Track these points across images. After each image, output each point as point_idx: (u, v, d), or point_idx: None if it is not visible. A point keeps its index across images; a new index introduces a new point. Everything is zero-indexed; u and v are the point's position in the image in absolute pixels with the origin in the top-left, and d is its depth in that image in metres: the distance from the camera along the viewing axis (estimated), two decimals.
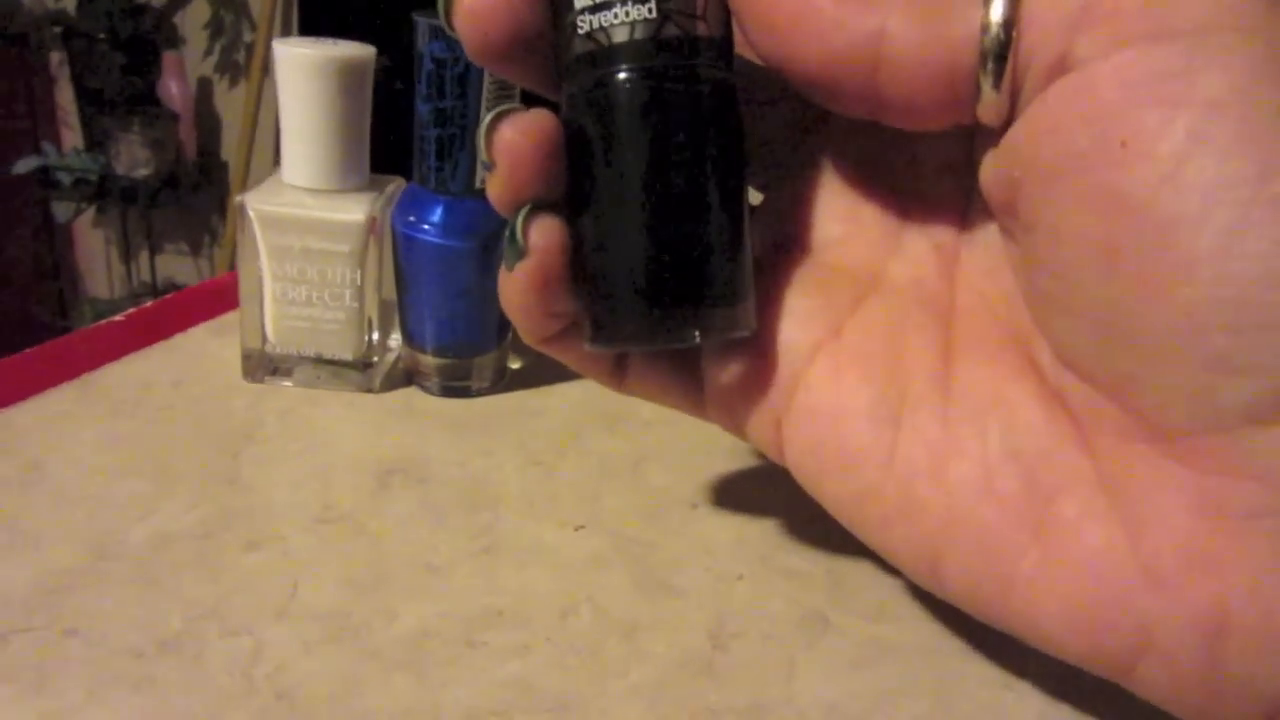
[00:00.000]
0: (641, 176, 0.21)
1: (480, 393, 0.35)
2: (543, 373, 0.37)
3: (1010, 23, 0.19)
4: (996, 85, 0.19)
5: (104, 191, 1.80)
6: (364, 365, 0.35)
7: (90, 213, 1.93)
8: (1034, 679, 0.24)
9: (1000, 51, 0.19)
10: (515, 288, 0.23)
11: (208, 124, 1.86)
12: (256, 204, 0.33)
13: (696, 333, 0.22)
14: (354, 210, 0.33)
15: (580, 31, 0.21)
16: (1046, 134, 0.19)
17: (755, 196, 0.25)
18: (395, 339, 0.36)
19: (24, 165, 1.76)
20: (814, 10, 0.20)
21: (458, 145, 0.32)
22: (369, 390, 0.35)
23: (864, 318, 0.23)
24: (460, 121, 0.31)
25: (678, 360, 0.25)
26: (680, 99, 0.21)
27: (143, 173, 1.79)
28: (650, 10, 0.21)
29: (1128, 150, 0.18)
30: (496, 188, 0.22)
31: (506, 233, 0.23)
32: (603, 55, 0.21)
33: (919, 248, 0.24)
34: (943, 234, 0.24)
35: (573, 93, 0.22)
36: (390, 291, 0.35)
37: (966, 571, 0.21)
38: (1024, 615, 0.21)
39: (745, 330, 0.23)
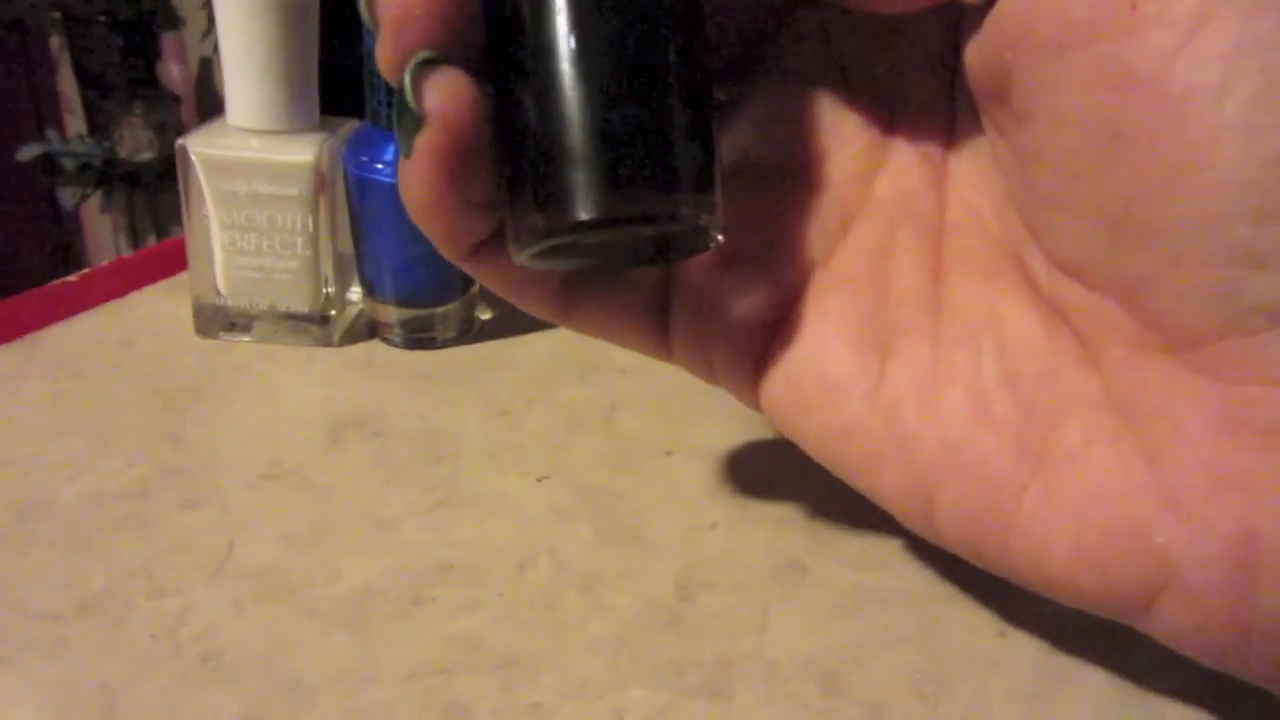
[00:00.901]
0: (595, 22, 0.17)
1: (446, 344, 0.34)
2: (515, 322, 0.35)
3: None
4: None
5: (109, 176, 1.80)
6: (322, 318, 0.33)
7: (97, 197, 1.92)
8: (1028, 626, 0.22)
9: None
10: (418, 175, 0.18)
11: (210, 105, 1.85)
12: (198, 147, 0.31)
13: (668, 220, 0.18)
14: (302, 151, 0.31)
15: None
16: (1040, 3, 0.17)
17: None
18: (356, 291, 0.34)
19: (27, 152, 1.75)
20: None
21: None
22: (328, 344, 0.33)
23: (852, 241, 0.21)
24: None
25: (638, 286, 0.22)
26: None
27: (146, 156, 1.78)
28: None
29: (1137, 13, 0.16)
30: (384, 49, 0.18)
31: (395, 101, 0.18)
32: None
33: (905, 158, 0.21)
34: (929, 142, 0.21)
35: None
36: (347, 244, 0.33)
37: (962, 510, 0.19)
38: (1027, 556, 0.18)
39: (718, 233, 0.19)
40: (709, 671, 0.20)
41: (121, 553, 0.23)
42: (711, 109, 0.19)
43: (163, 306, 0.35)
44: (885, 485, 0.20)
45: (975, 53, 0.19)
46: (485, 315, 0.36)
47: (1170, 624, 0.17)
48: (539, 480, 0.27)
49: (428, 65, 0.18)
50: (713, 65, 0.19)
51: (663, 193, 0.18)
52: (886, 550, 0.24)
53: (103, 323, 0.34)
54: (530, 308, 0.22)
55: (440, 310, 0.33)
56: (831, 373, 0.20)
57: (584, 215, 0.17)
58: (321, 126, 0.32)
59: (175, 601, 0.22)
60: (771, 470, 0.27)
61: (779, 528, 0.25)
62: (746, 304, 0.21)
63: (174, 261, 0.38)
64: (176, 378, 0.31)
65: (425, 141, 0.18)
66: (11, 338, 0.32)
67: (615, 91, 0.17)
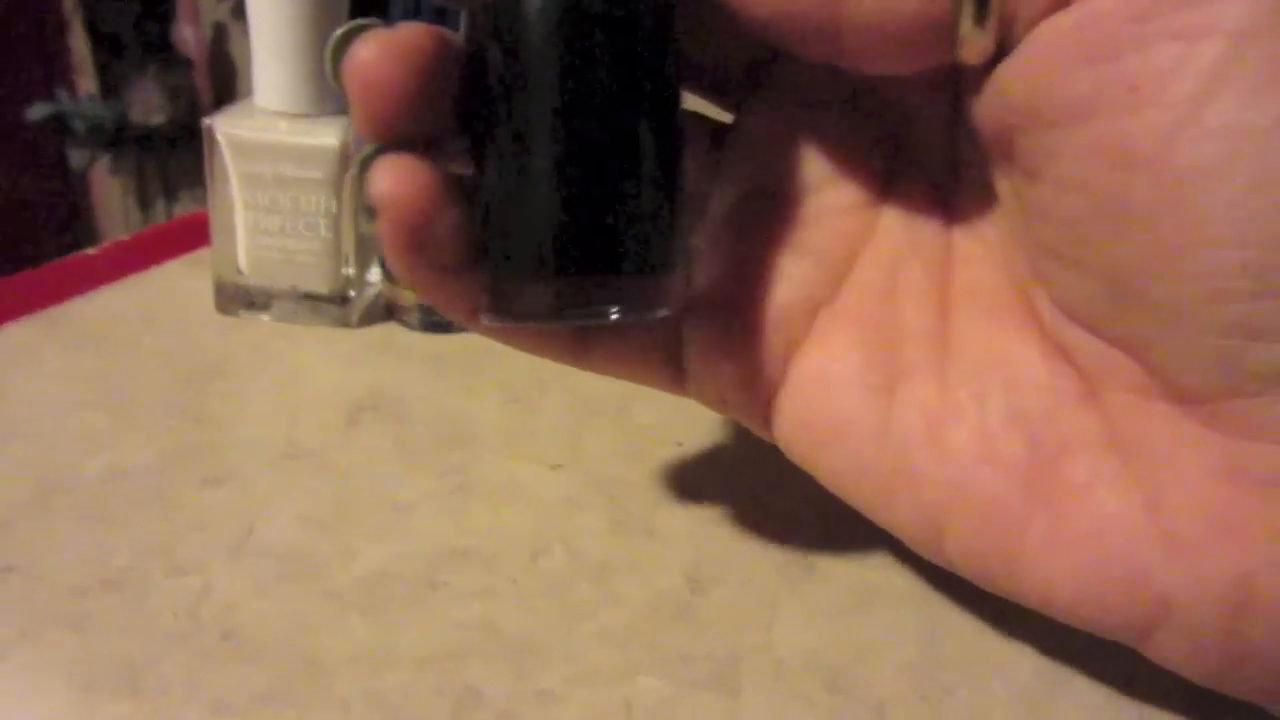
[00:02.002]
0: (551, 109, 0.18)
1: (462, 328, 0.34)
2: None
3: None
4: (980, 23, 0.17)
5: (119, 139, 1.79)
6: (341, 299, 0.33)
7: (106, 160, 1.92)
8: (1031, 629, 0.22)
9: (983, 16, 0.17)
10: (387, 253, 0.19)
11: (223, 70, 1.84)
12: (226, 128, 0.31)
13: (614, 309, 0.18)
14: (328, 135, 0.31)
15: None
16: (1043, 77, 0.17)
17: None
18: (375, 272, 0.35)
19: (38, 112, 1.75)
20: None
21: None
22: (347, 325, 0.33)
23: (860, 272, 0.21)
24: None
25: (653, 330, 0.22)
26: (605, 17, 0.18)
27: (158, 120, 1.78)
28: None
29: (1138, 94, 0.16)
30: (357, 123, 0.19)
31: (353, 174, 0.19)
32: None
33: (911, 188, 0.21)
34: (936, 173, 0.21)
35: (476, 7, 0.19)
36: (369, 223, 0.33)
37: (971, 544, 0.20)
38: (1033, 587, 0.19)
39: (669, 308, 0.19)
40: (717, 664, 0.21)
41: (143, 529, 0.23)
42: (679, 173, 0.19)
43: (183, 282, 0.36)
44: (897, 519, 0.21)
45: (978, 112, 0.19)
46: None
47: (1167, 652, 0.18)
48: (553, 468, 0.27)
49: (376, 154, 0.19)
50: (680, 144, 0.19)
51: (618, 284, 0.18)
52: (893, 549, 0.24)
53: (123, 297, 0.34)
54: (544, 356, 0.23)
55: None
56: (840, 414, 0.21)
57: (534, 317, 0.19)
58: (347, 110, 0.32)
59: (196, 580, 0.22)
60: (782, 466, 0.28)
61: (788, 523, 0.25)
62: (754, 346, 0.21)
63: (194, 236, 0.38)
64: (197, 355, 0.31)
65: (381, 226, 0.19)
66: (33, 310, 0.33)
67: (558, 183, 0.18)
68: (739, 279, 0.21)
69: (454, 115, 0.19)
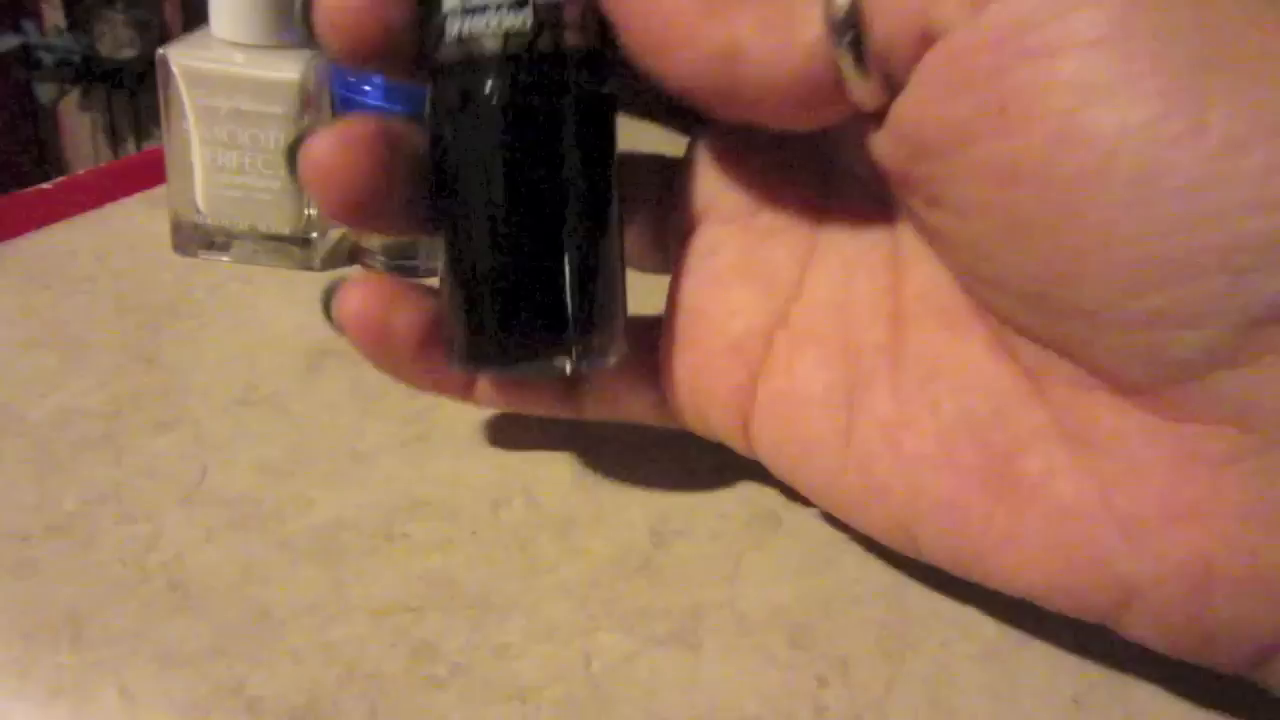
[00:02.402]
0: (502, 192, 0.20)
1: (430, 272, 0.33)
2: None
3: (855, 7, 0.17)
4: (862, 71, 0.18)
5: (88, 73, 1.75)
6: (304, 240, 0.32)
7: (75, 95, 1.87)
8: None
9: (855, 39, 0.17)
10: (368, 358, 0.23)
11: (195, 5, 1.80)
12: (180, 58, 0.30)
13: (565, 362, 0.21)
14: (287, 68, 0.30)
15: (449, 35, 0.20)
16: (925, 109, 0.17)
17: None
18: None
19: (3, 44, 1.70)
20: (669, 24, 0.19)
21: None
22: (310, 268, 0.33)
23: (811, 290, 0.22)
24: None
25: (638, 373, 0.23)
26: (549, 113, 0.20)
27: (127, 54, 1.73)
28: (524, 21, 0.19)
29: (1009, 115, 0.16)
30: (320, 209, 0.21)
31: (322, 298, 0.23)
32: (470, 63, 0.20)
33: (850, 201, 0.22)
34: (874, 181, 0.21)
35: (436, 97, 0.21)
36: None
37: (940, 544, 0.20)
38: (1003, 578, 0.20)
39: (614, 358, 0.21)
40: (678, 620, 0.20)
41: (92, 475, 0.23)
42: (615, 244, 0.21)
43: (140, 220, 0.35)
44: (872, 527, 0.21)
45: (877, 150, 0.19)
46: None
47: (1136, 632, 0.18)
48: (515, 419, 0.26)
49: (346, 286, 0.22)
50: (615, 208, 0.21)
51: (563, 341, 0.21)
52: None
53: (78, 234, 0.33)
54: (541, 414, 0.24)
55: (424, 238, 0.33)
56: (806, 434, 0.21)
57: (493, 367, 0.22)
58: (308, 42, 0.31)
59: (145, 527, 0.21)
60: None
61: (755, 477, 0.25)
62: (721, 378, 0.22)
63: (155, 173, 0.37)
64: (152, 295, 0.30)
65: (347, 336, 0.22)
66: None
67: (521, 256, 0.20)
68: (697, 313, 0.22)
69: (414, 190, 0.21)
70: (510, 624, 0.20)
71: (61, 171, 1.97)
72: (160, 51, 0.30)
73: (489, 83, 0.20)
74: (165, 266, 0.32)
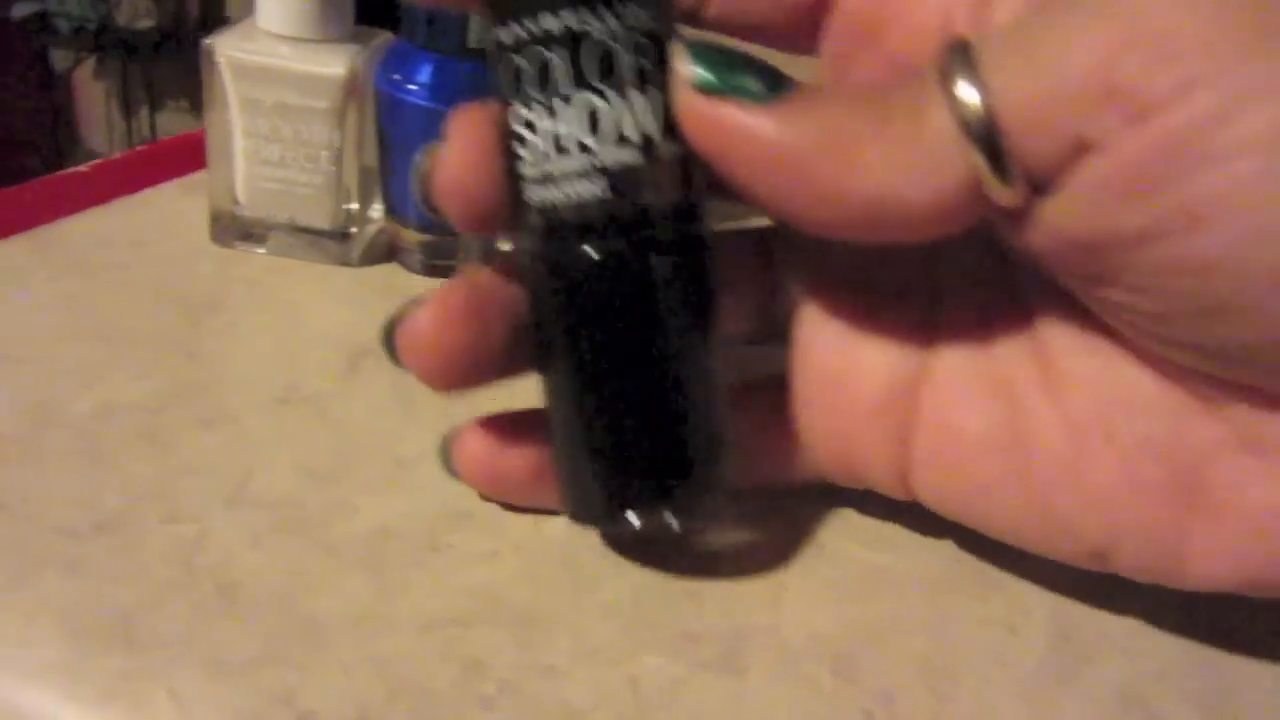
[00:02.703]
0: (594, 355, 0.20)
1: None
2: None
3: (992, 124, 0.17)
4: (1006, 181, 0.17)
5: (104, 42, 1.74)
6: (342, 235, 0.32)
7: (90, 63, 1.87)
8: (1038, 622, 0.22)
9: (994, 150, 0.17)
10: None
11: None
12: (227, 50, 0.30)
13: (673, 520, 0.20)
14: (333, 63, 0.30)
15: (532, 203, 0.20)
16: (1097, 217, 0.17)
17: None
18: (377, 209, 0.34)
19: (21, 9, 1.69)
20: (807, 186, 0.18)
21: None
22: (346, 263, 0.32)
23: (945, 340, 0.22)
24: None
25: (770, 438, 0.23)
26: (634, 275, 0.19)
27: (144, 24, 1.72)
28: (601, 189, 0.19)
29: (1197, 218, 0.16)
30: (422, 379, 0.22)
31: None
32: (551, 228, 0.19)
33: (972, 241, 0.21)
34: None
35: (525, 256, 0.20)
36: (373, 157, 0.32)
37: (1137, 562, 0.21)
38: (1205, 583, 0.20)
39: (721, 506, 0.21)
40: (723, 644, 0.20)
41: (137, 471, 0.23)
42: (713, 399, 0.21)
43: (176, 207, 0.34)
44: (1061, 555, 0.22)
45: (1027, 240, 0.19)
46: (507, 245, 0.35)
47: None
48: None
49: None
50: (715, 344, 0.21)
51: (661, 505, 0.20)
52: (901, 533, 0.24)
53: (114, 220, 0.33)
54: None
55: (462, 238, 0.32)
56: (979, 479, 0.22)
57: (602, 525, 0.22)
58: (354, 38, 0.31)
59: (191, 528, 0.21)
60: None
61: (798, 503, 0.25)
62: (875, 441, 0.22)
63: (188, 158, 0.37)
64: (190, 286, 0.30)
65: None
66: (20, 229, 0.31)
67: (615, 426, 0.20)
68: (831, 378, 0.23)
69: (513, 342, 0.21)
70: (557, 643, 0.20)
71: (74, 139, 1.96)
72: (206, 42, 0.30)
73: (571, 250, 0.19)
74: (202, 256, 0.32)
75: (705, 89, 0.19)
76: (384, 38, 0.32)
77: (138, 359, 0.26)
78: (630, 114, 0.19)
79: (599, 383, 0.20)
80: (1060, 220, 0.18)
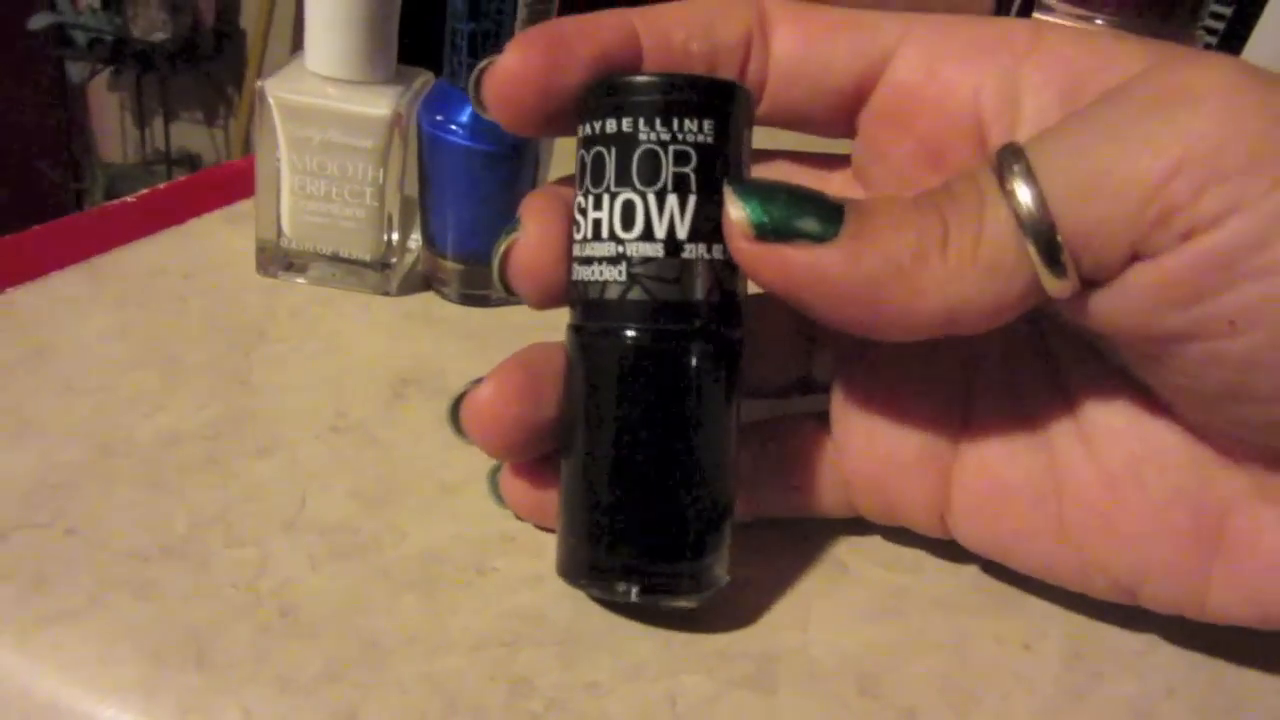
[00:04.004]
0: (601, 430, 0.21)
1: (500, 303, 0.34)
2: None
3: (1050, 230, 0.18)
4: (1059, 275, 0.19)
5: (119, 54, 1.76)
6: (381, 266, 0.33)
7: (105, 75, 1.89)
8: (1053, 640, 0.23)
9: (1055, 259, 0.19)
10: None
11: None
12: (277, 91, 0.31)
13: (650, 593, 0.21)
14: (379, 104, 0.31)
15: (571, 278, 0.22)
16: (1143, 316, 0.19)
17: None
18: (415, 239, 0.35)
19: (38, 21, 1.71)
20: (880, 311, 0.20)
21: (492, 41, 0.30)
22: (385, 292, 0.34)
23: (982, 392, 0.23)
24: (496, 16, 0.30)
25: (809, 471, 0.25)
26: (641, 362, 0.21)
27: (159, 37, 1.74)
28: (620, 274, 0.21)
29: (1236, 326, 0.18)
30: (483, 447, 0.23)
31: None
32: (581, 306, 0.22)
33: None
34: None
35: (567, 325, 0.22)
36: (412, 188, 0.34)
37: (1164, 598, 0.22)
38: (1224, 617, 0.22)
39: (724, 581, 0.22)
40: (755, 663, 0.22)
41: (199, 497, 0.24)
42: (720, 488, 0.22)
43: (221, 237, 0.36)
44: (1091, 592, 0.23)
45: (1077, 325, 0.20)
46: None
47: None
48: None
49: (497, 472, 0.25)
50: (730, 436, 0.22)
51: (649, 583, 0.21)
52: (922, 555, 0.25)
53: (165, 250, 0.35)
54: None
55: None
56: (1017, 526, 0.23)
57: (586, 589, 0.22)
58: (398, 79, 0.32)
59: (253, 551, 0.23)
60: None
61: (822, 526, 0.26)
62: (916, 487, 0.24)
63: (231, 189, 0.39)
64: (240, 316, 0.31)
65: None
66: (74, 260, 0.33)
67: (618, 501, 0.21)
68: (874, 429, 0.24)
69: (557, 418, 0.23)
70: (599, 662, 0.21)
71: (89, 150, 1.98)
72: (259, 84, 0.31)
73: (588, 326, 0.21)
74: (249, 287, 0.33)
75: (761, 233, 0.20)
76: (426, 78, 0.33)
77: (195, 388, 0.28)
78: (660, 213, 0.20)
79: (597, 457, 0.21)
80: (1108, 312, 0.19)
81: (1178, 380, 0.20)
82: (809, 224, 0.19)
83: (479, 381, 0.23)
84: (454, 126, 0.31)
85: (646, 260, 0.21)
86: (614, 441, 0.21)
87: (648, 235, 0.20)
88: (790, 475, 0.25)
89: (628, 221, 0.21)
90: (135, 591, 0.21)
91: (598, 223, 0.21)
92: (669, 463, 0.21)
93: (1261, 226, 0.17)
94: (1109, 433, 0.22)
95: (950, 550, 0.25)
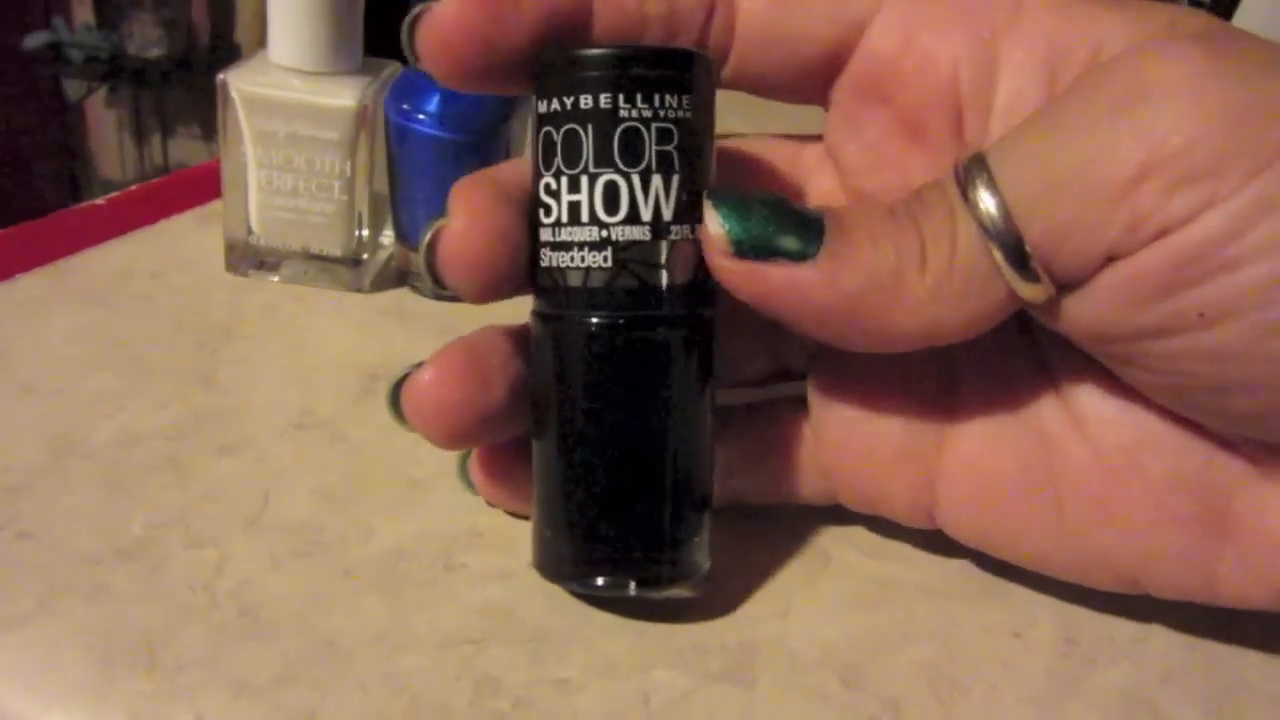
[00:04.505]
0: (582, 421, 0.20)
1: None
2: None
3: (1017, 239, 0.18)
4: (1031, 280, 0.19)
5: (115, 71, 1.77)
6: (354, 262, 0.33)
7: (102, 92, 1.89)
8: (1044, 627, 0.22)
9: (1025, 267, 0.19)
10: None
11: (220, 4, 1.81)
12: (240, 84, 0.30)
13: (631, 584, 0.21)
14: (344, 95, 0.30)
15: (541, 263, 0.21)
16: (1114, 315, 0.19)
17: None
18: (388, 235, 0.34)
19: (34, 40, 1.72)
20: (863, 329, 0.19)
21: None
22: (359, 289, 0.33)
23: (967, 384, 0.23)
24: None
25: (791, 461, 0.24)
26: (623, 350, 0.20)
27: (155, 53, 1.75)
28: (605, 259, 0.20)
29: (1207, 318, 0.18)
30: (427, 437, 0.22)
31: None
32: (557, 293, 0.20)
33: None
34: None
35: (532, 316, 0.21)
36: (383, 184, 0.33)
37: (1171, 586, 0.21)
38: (1236, 600, 0.21)
39: (704, 569, 0.22)
40: (732, 657, 0.21)
41: (158, 498, 0.23)
42: (698, 477, 0.21)
43: (191, 237, 0.35)
44: (1095, 584, 0.22)
45: (1052, 326, 0.20)
46: None
47: None
48: None
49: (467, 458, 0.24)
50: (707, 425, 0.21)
51: (629, 571, 0.21)
52: (907, 543, 0.25)
53: (132, 251, 0.34)
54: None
55: None
56: (1013, 517, 0.22)
57: (564, 583, 0.22)
58: (364, 69, 0.32)
59: (213, 552, 0.22)
60: None
61: (805, 515, 0.25)
62: (900, 482, 0.23)
63: (203, 189, 0.38)
64: (207, 315, 0.31)
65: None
66: (42, 262, 0.32)
67: (596, 488, 0.20)
68: (855, 424, 0.23)
69: (517, 401, 0.22)
70: (569, 657, 0.20)
71: (87, 168, 1.98)
72: (220, 76, 0.30)
73: (569, 316, 0.20)
74: (218, 286, 0.33)
75: (740, 250, 0.19)
76: (393, 68, 0.33)
77: (158, 388, 0.27)
78: (645, 194, 0.20)
79: (578, 448, 0.20)
80: (1081, 313, 0.19)
81: (1156, 379, 0.19)
82: (789, 241, 0.19)
83: (421, 365, 0.22)
84: (422, 115, 0.30)
85: (633, 244, 0.20)
86: (596, 431, 0.20)
87: (633, 218, 0.20)
88: (770, 462, 0.24)
89: (611, 204, 0.20)
90: (87, 595, 0.21)
91: (575, 205, 0.20)
92: (655, 449, 0.20)
93: (1233, 221, 0.17)
94: (1101, 421, 0.21)
95: (938, 537, 0.24)
